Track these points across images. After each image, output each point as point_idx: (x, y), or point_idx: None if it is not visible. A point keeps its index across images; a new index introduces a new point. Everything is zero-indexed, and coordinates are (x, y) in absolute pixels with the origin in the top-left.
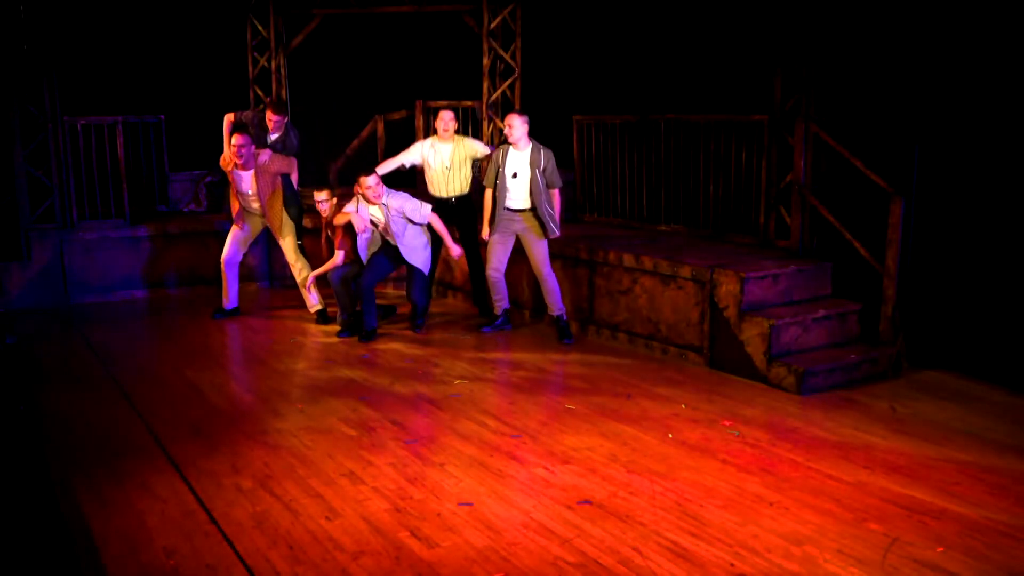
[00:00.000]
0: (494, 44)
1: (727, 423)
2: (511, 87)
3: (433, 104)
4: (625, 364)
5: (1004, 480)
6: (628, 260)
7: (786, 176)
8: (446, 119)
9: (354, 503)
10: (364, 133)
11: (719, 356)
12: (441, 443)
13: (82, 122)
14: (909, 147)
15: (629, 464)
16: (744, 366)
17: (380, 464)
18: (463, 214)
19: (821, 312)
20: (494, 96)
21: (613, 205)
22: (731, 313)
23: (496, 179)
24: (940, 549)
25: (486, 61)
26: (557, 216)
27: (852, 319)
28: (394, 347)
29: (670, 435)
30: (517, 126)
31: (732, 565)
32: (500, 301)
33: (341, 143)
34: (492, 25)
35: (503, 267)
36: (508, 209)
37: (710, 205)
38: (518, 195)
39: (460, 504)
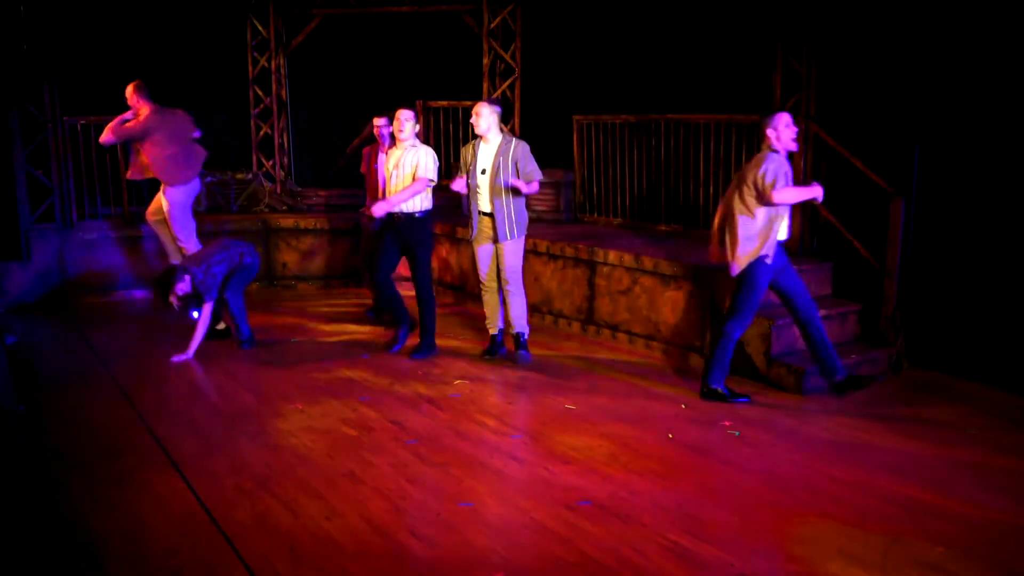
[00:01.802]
0: (494, 44)
1: (727, 423)
2: (511, 87)
3: (433, 104)
4: (625, 364)
5: (1004, 480)
6: (628, 260)
7: None
8: (401, 119)
9: (354, 503)
10: (364, 133)
11: None
12: (441, 443)
13: (82, 122)
14: (909, 147)
15: (629, 464)
16: (744, 366)
17: (380, 464)
18: (408, 238)
19: (821, 312)
20: (494, 96)
21: (613, 205)
22: None
23: (468, 179)
24: (940, 549)
25: (486, 61)
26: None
27: (852, 319)
28: None
29: (670, 435)
30: (485, 115)
31: (732, 565)
32: (490, 323)
33: (341, 143)
34: (492, 25)
35: (494, 281)
36: (481, 213)
37: (710, 205)
38: (486, 196)
39: (460, 504)
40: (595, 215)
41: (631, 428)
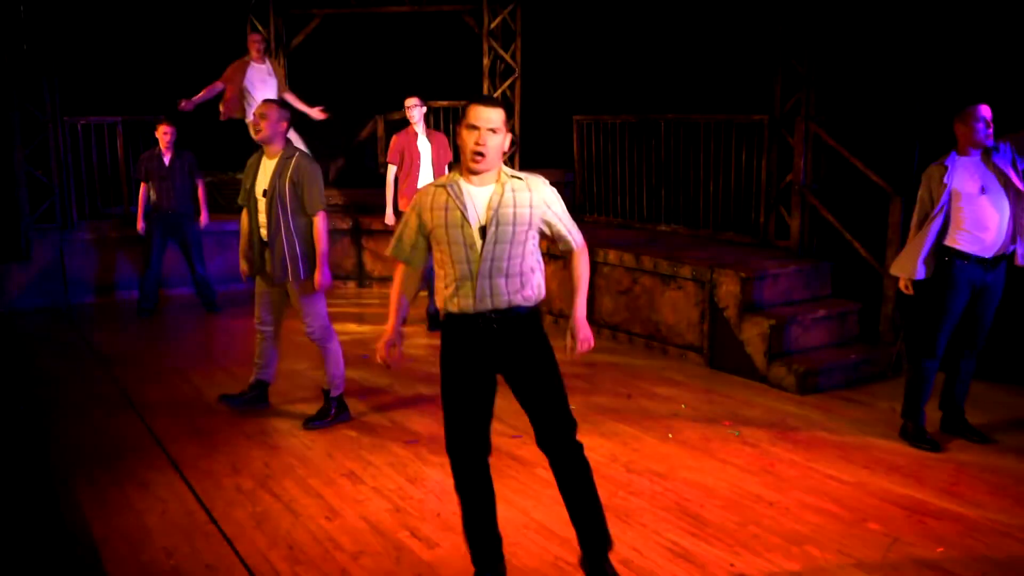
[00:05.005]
0: (494, 44)
1: (727, 423)
2: (511, 87)
3: (434, 104)
4: (625, 364)
5: (1004, 480)
6: (628, 260)
7: (786, 176)
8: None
9: (354, 503)
10: (364, 133)
11: (719, 356)
12: (441, 443)
13: (82, 122)
14: (909, 147)
15: (629, 464)
16: (744, 366)
17: (380, 464)
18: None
19: (821, 312)
20: (494, 96)
21: (613, 205)
22: (731, 313)
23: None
24: (940, 549)
25: (486, 61)
26: (302, 255)
27: (852, 319)
28: None
29: (670, 435)
30: (273, 119)
31: (732, 565)
32: (258, 368)
33: (341, 143)
34: (492, 25)
35: (272, 318)
36: (261, 242)
37: (710, 205)
38: (266, 220)
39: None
40: (595, 215)
41: (631, 428)
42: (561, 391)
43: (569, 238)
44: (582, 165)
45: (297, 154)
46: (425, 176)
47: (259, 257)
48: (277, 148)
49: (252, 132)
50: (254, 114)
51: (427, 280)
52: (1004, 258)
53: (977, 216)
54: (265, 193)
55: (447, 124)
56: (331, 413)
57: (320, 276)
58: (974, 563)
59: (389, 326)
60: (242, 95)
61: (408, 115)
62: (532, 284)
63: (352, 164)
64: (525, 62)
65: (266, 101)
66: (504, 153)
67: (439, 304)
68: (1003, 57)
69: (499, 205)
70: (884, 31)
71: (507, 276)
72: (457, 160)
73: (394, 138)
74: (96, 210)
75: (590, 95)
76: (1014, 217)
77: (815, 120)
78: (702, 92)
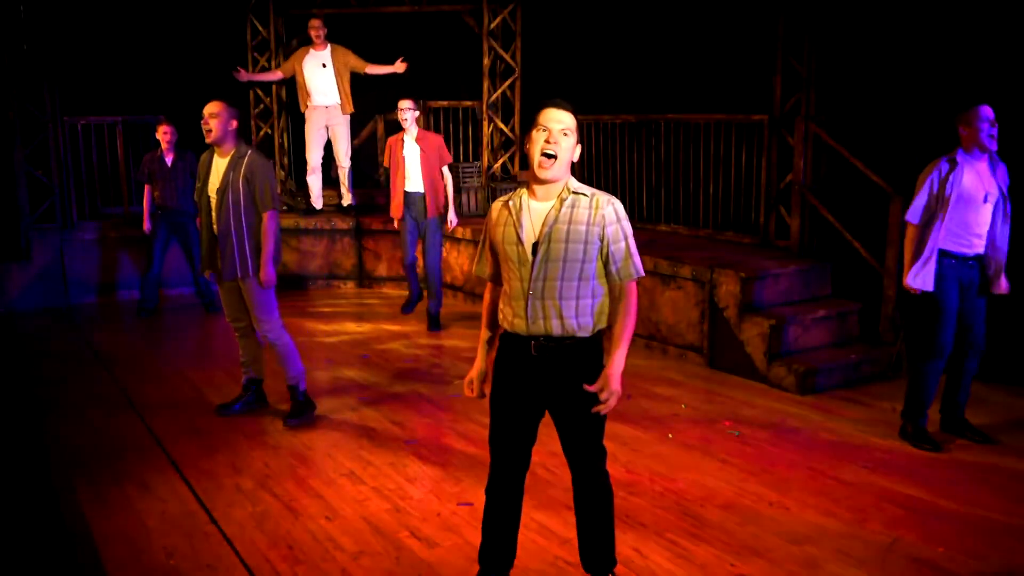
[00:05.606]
0: (494, 44)
1: (727, 423)
2: (511, 87)
3: (433, 104)
4: (625, 364)
5: (1004, 480)
6: None
7: (786, 176)
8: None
9: (354, 503)
10: (364, 133)
11: (719, 356)
12: (441, 443)
13: (82, 122)
14: (909, 146)
15: (629, 464)
16: (744, 366)
17: (380, 464)
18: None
19: (821, 312)
20: (494, 96)
21: None
22: (731, 313)
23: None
24: (940, 549)
25: (486, 61)
26: (251, 252)
27: (852, 319)
28: (394, 347)
29: (670, 435)
30: (224, 117)
31: (732, 565)
32: (245, 367)
33: None
34: (492, 25)
35: (239, 314)
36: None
37: (710, 205)
38: (217, 217)
39: (460, 504)
40: None
41: (631, 428)
42: (602, 425)
43: (615, 267)
44: (582, 165)
45: (250, 152)
46: (411, 181)
47: (210, 254)
48: (228, 147)
49: (204, 134)
50: (204, 114)
51: (412, 276)
52: (983, 257)
53: (973, 221)
54: (219, 191)
55: (447, 124)
56: (305, 408)
57: (264, 273)
58: (974, 563)
59: (476, 363)
60: (304, 85)
61: (399, 117)
62: (592, 311)
63: (352, 164)
64: (525, 62)
65: (215, 101)
66: (573, 163)
67: (500, 321)
68: (1003, 57)
69: (554, 221)
70: (884, 31)
71: (561, 299)
72: (462, 158)
73: (387, 141)
74: (96, 210)
75: (590, 95)
76: (992, 226)
77: (815, 120)
78: (701, 92)
